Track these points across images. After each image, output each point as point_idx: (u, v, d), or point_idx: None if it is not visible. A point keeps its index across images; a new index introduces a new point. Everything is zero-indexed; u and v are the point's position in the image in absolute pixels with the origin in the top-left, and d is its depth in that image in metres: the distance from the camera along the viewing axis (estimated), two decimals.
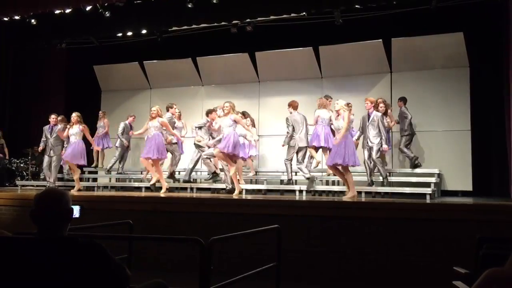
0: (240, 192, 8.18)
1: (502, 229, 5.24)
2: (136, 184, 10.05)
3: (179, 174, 10.12)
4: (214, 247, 3.23)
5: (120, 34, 11.09)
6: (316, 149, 8.69)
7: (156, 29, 10.71)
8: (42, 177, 10.14)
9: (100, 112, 11.23)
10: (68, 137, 9.41)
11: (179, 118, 9.91)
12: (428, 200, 7.02)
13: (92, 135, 10.72)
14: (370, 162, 8.26)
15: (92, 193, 9.45)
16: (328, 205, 6.62)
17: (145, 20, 10.11)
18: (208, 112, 9.16)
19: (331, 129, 8.46)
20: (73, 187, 9.50)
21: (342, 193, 8.44)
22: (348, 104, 7.91)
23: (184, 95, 11.67)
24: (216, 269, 3.25)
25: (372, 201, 7.21)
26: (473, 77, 9.71)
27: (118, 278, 2.23)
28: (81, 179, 10.83)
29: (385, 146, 8.21)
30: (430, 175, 8.59)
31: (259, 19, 9.94)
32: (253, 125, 9.80)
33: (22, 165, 11.53)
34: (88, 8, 9.69)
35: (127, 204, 7.17)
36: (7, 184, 10.91)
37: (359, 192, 8.05)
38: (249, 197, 8.13)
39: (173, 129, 9.23)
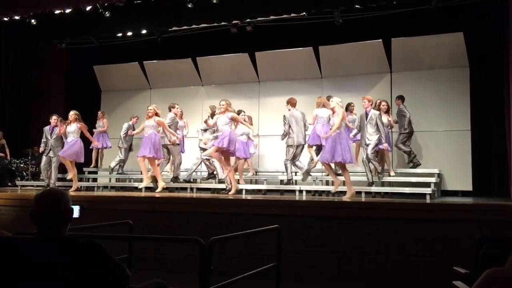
0: (237, 192, 8.16)
1: (502, 229, 5.23)
2: (136, 184, 10.03)
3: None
4: (214, 247, 3.23)
5: (120, 34, 11.08)
6: (320, 148, 8.70)
7: (156, 29, 10.70)
8: (42, 177, 10.12)
9: (99, 112, 11.21)
10: (65, 134, 9.31)
11: (181, 117, 9.90)
12: (428, 200, 7.02)
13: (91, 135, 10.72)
14: (368, 161, 8.28)
15: (92, 193, 9.45)
16: (328, 205, 6.62)
17: (145, 20, 10.10)
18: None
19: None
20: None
21: (342, 193, 8.44)
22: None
23: (184, 95, 11.67)
24: (216, 269, 3.25)
25: (372, 201, 7.22)
26: (473, 77, 9.71)
27: (118, 278, 2.23)
28: (81, 179, 10.85)
29: (385, 145, 8.22)
30: (430, 175, 8.60)
31: (259, 19, 9.93)
32: (251, 123, 9.76)
33: (22, 165, 11.53)
34: (88, 8, 9.69)
35: (127, 204, 7.17)
36: (9, 184, 10.89)
37: (359, 192, 8.07)
38: (249, 197, 8.13)
39: (176, 130, 9.20)
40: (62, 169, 10.20)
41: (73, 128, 9.18)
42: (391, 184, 8.74)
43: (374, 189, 8.23)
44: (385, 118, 8.91)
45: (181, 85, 11.91)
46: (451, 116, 9.70)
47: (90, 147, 10.66)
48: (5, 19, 10.30)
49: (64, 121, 9.55)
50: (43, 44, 11.40)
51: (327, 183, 9.21)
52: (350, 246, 5.86)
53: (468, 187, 9.31)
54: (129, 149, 10.72)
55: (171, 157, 9.45)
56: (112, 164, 10.55)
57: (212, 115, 8.92)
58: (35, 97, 12.22)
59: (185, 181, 9.46)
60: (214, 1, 9.11)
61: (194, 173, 10.01)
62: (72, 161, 9.20)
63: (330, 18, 9.65)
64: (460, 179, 9.40)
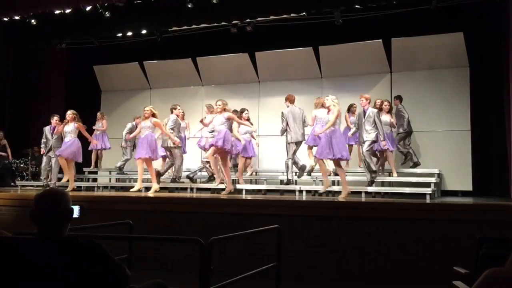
0: (231, 193, 8.16)
1: (502, 229, 5.23)
2: (138, 181, 10.01)
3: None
4: (214, 247, 3.23)
5: (120, 34, 11.08)
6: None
7: (156, 29, 10.70)
8: (41, 178, 10.07)
9: (99, 113, 11.16)
10: (60, 135, 9.24)
11: (182, 118, 9.87)
12: (428, 200, 7.02)
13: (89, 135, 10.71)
14: (363, 158, 8.29)
15: (92, 193, 9.45)
16: (328, 205, 6.62)
17: (145, 20, 10.10)
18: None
19: None
20: (76, 187, 9.49)
21: (337, 193, 8.44)
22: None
23: (184, 95, 11.67)
24: (216, 269, 3.25)
25: (372, 201, 7.22)
26: (473, 77, 9.72)
27: (118, 278, 2.23)
28: (81, 179, 10.85)
29: (383, 142, 8.23)
30: (430, 175, 8.60)
31: (259, 19, 9.93)
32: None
33: (22, 165, 11.52)
34: (88, 8, 9.69)
35: (127, 204, 7.17)
36: (12, 184, 10.86)
37: (359, 192, 8.07)
38: (249, 197, 8.13)
39: (178, 131, 9.17)
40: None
41: (70, 128, 9.13)
42: (391, 184, 8.75)
43: (374, 189, 8.23)
44: (387, 118, 8.91)
45: (181, 85, 11.91)
46: (451, 116, 9.70)
47: (89, 148, 10.62)
48: (5, 19, 10.30)
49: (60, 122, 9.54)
50: (43, 44, 11.39)
51: (332, 183, 9.19)
52: (350, 246, 5.86)
53: (468, 187, 9.31)
54: (133, 148, 10.71)
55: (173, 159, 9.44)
56: (119, 164, 10.49)
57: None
58: (35, 97, 12.22)
59: (188, 177, 9.41)
60: (214, 1, 9.11)
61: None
62: (69, 162, 9.13)
63: (330, 18, 9.65)
64: (460, 179, 9.40)
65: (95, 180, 11.17)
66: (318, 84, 10.79)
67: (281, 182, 9.41)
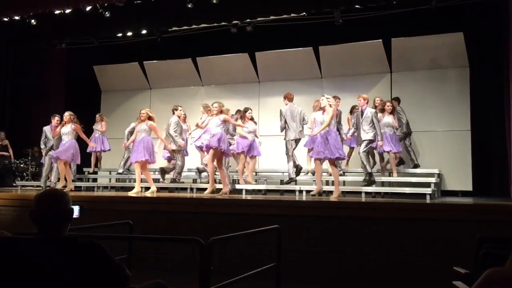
0: (226, 193, 8.15)
1: (502, 229, 5.23)
2: (136, 184, 10.02)
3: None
4: (214, 247, 3.23)
5: (120, 34, 11.08)
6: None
7: (156, 29, 10.70)
8: (42, 179, 10.03)
9: (98, 115, 11.04)
10: (60, 136, 9.17)
11: (184, 120, 9.84)
12: (428, 200, 7.02)
13: (88, 137, 10.69)
14: (365, 155, 8.29)
15: (92, 193, 9.44)
16: (328, 205, 6.61)
17: (145, 20, 10.10)
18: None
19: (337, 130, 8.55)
20: (76, 187, 9.48)
21: (342, 193, 8.44)
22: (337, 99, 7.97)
23: (184, 95, 11.67)
24: (216, 269, 3.25)
25: (372, 201, 7.21)
26: (473, 77, 9.72)
27: (118, 278, 2.23)
28: (81, 180, 10.85)
29: (380, 142, 8.24)
30: (430, 175, 8.60)
31: (259, 19, 9.93)
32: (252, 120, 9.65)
33: (22, 165, 11.52)
34: (88, 8, 9.69)
35: (127, 204, 7.17)
36: (14, 184, 10.85)
37: (359, 192, 8.07)
38: (249, 197, 8.13)
39: (180, 133, 9.15)
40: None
41: (68, 129, 9.05)
42: (391, 184, 8.75)
43: (374, 189, 8.24)
44: (389, 119, 8.88)
45: (181, 85, 11.91)
46: (451, 116, 9.70)
47: (88, 151, 10.59)
48: (5, 19, 10.30)
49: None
50: (43, 44, 11.40)
51: (327, 183, 9.20)
52: (350, 246, 5.86)
53: (468, 187, 9.31)
54: None
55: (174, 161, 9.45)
56: (126, 166, 10.42)
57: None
58: (35, 97, 12.22)
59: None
60: (214, 1, 9.11)
61: (193, 173, 10.02)
62: (66, 163, 9.09)
63: (330, 18, 9.65)
64: (460, 179, 9.40)
65: (95, 180, 11.17)
66: (318, 84, 10.79)
67: (281, 182, 9.42)
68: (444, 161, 9.42)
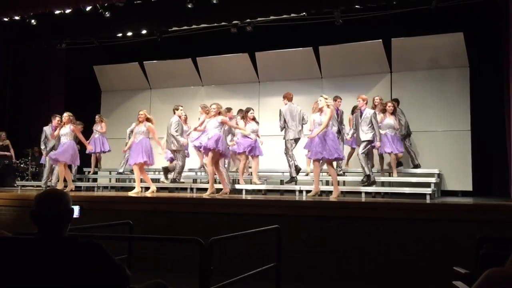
0: (226, 193, 8.13)
1: (502, 229, 5.23)
2: (136, 184, 10.02)
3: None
4: (214, 247, 3.23)
5: (120, 34, 11.08)
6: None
7: (156, 29, 10.70)
8: (42, 180, 10.01)
9: (97, 116, 11.03)
10: (58, 137, 9.16)
11: (185, 121, 9.82)
12: (428, 200, 7.02)
13: (88, 137, 10.70)
14: (363, 157, 8.29)
15: (92, 193, 9.44)
16: (328, 205, 6.61)
17: (145, 20, 10.10)
18: (226, 111, 9.26)
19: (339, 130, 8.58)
20: (76, 187, 9.47)
21: (342, 193, 8.45)
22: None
23: (184, 95, 11.67)
24: (216, 269, 3.25)
25: (372, 201, 7.21)
26: (473, 77, 9.72)
27: (118, 278, 2.23)
28: (81, 179, 10.85)
29: (377, 143, 8.24)
30: (430, 175, 8.60)
31: (259, 19, 9.93)
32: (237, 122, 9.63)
33: (22, 165, 11.52)
34: (88, 8, 9.69)
35: (127, 204, 7.17)
36: (15, 185, 10.83)
37: (359, 192, 8.07)
38: (249, 197, 8.13)
39: (182, 133, 9.13)
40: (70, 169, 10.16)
41: (66, 130, 9.03)
42: (391, 184, 8.75)
43: (374, 189, 8.24)
44: (391, 121, 8.85)
45: (181, 85, 11.91)
46: (451, 116, 9.70)
47: (87, 152, 10.59)
48: (5, 19, 10.30)
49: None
50: (43, 44, 11.39)
51: (327, 183, 9.20)
52: (350, 246, 5.86)
53: (468, 187, 9.31)
54: None
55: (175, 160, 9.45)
56: (125, 164, 10.39)
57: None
58: (35, 97, 12.22)
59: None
60: (214, 1, 9.11)
61: (193, 173, 10.02)
62: (65, 165, 9.06)
63: (330, 18, 9.65)
64: (460, 179, 9.40)
65: (95, 180, 11.17)
66: (318, 84, 10.79)
67: (281, 182, 9.42)
68: (444, 161, 9.42)
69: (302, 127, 8.79)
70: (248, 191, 8.87)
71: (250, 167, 9.90)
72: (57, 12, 9.87)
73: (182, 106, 9.56)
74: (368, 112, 8.29)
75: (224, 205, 6.85)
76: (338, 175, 8.90)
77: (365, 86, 10.30)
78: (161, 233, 6.20)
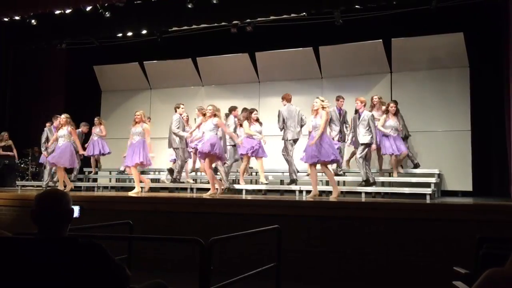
0: (214, 193, 8.13)
1: (502, 229, 5.23)
2: (136, 184, 10.02)
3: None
4: (214, 247, 3.23)
5: (120, 34, 11.08)
6: None
7: (156, 29, 10.70)
8: (43, 180, 10.00)
9: (96, 118, 11.03)
10: (56, 139, 9.14)
11: (187, 122, 9.79)
12: (428, 200, 7.02)
13: (87, 139, 10.71)
14: (362, 161, 8.29)
15: (92, 193, 9.45)
16: (328, 205, 6.61)
17: (145, 20, 10.10)
18: (232, 110, 9.32)
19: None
20: (76, 187, 9.46)
21: (342, 193, 8.45)
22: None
23: (184, 95, 11.66)
24: (216, 269, 3.25)
25: (372, 201, 7.22)
26: (473, 77, 9.72)
27: (118, 278, 2.23)
28: (81, 179, 10.85)
29: (373, 146, 8.23)
30: (430, 175, 8.60)
31: (259, 19, 9.93)
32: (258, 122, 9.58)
33: (22, 165, 11.52)
34: (88, 8, 9.69)
35: (127, 204, 7.17)
36: (15, 185, 10.83)
37: (359, 193, 8.07)
38: (249, 197, 8.14)
39: (183, 130, 9.09)
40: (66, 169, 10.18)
41: (64, 132, 9.04)
42: (391, 184, 8.75)
43: (374, 189, 8.24)
44: (393, 121, 8.81)
45: (181, 85, 11.91)
46: (451, 116, 9.69)
47: (85, 155, 10.59)
48: (5, 19, 10.31)
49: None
50: (43, 44, 11.40)
51: (327, 183, 9.20)
52: (350, 246, 5.86)
53: (468, 187, 9.31)
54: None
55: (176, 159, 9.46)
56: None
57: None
58: (35, 97, 12.22)
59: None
60: (214, 1, 9.11)
61: (193, 173, 10.02)
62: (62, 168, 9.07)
63: (330, 18, 9.65)
64: (460, 179, 9.40)
65: (95, 180, 11.17)
66: (318, 84, 10.79)
67: (281, 182, 9.42)
68: (444, 161, 9.42)
69: (300, 128, 8.79)
70: (248, 191, 8.87)
71: (251, 167, 9.92)
72: (57, 12, 9.87)
73: (183, 104, 9.57)
74: (366, 114, 8.28)
75: (224, 205, 6.85)
76: (338, 175, 8.91)
77: (365, 86, 10.30)
78: (161, 233, 6.20)
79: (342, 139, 9.15)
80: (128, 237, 4.62)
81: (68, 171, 9.82)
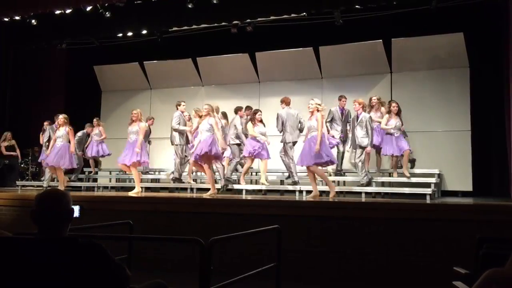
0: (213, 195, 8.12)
1: (502, 229, 5.24)
2: (136, 184, 10.02)
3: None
4: (214, 247, 3.23)
5: (120, 34, 11.08)
6: None
7: (156, 29, 10.70)
8: (43, 179, 10.02)
9: (95, 119, 11.01)
10: (55, 140, 9.13)
11: (189, 120, 9.79)
12: (428, 200, 7.02)
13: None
14: (361, 164, 8.29)
15: (92, 193, 9.45)
16: (328, 205, 6.62)
17: (145, 20, 10.10)
18: (237, 110, 9.33)
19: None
20: (76, 187, 9.46)
21: (342, 193, 8.46)
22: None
23: (184, 95, 11.61)
24: (216, 269, 3.25)
25: (372, 201, 7.22)
26: (473, 77, 9.71)
27: (118, 278, 2.23)
28: (81, 179, 10.85)
29: (368, 148, 8.22)
30: (430, 175, 8.59)
31: (259, 19, 9.93)
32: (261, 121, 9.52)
33: (22, 165, 11.52)
34: (88, 8, 9.69)
35: (127, 204, 7.17)
36: (15, 185, 10.83)
37: (359, 193, 8.07)
38: (249, 197, 8.14)
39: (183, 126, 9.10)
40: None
41: (61, 133, 9.04)
42: (391, 184, 8.75)
43: (374, 189, 8.24)
44: (394, 122, 8.79)
45: (181, 85, 11.90)
46: (451, 116, 9.69)
47: (86, 157, 10.60)
48: (5, 19, 10.31)
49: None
50: (43, 44, 11.39)
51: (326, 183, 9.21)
52: (350, 246, 5.86)
53: (468, 187, 9.30)
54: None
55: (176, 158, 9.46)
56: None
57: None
58: (35, 97, 12.22)
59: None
60: (214, 1, 9.11)
61: (193, 173, 10.02)
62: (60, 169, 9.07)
63: (330, 18, 9.65)
64: (460, 179, 9.39)
65: (95, 180, 11.17)
66: (318, 84, 10.78)
67: (281, 182, 9.42)
68: (444, 161, 9.41)
69: (299, 130, 8.78)
70: (248, 191, 8.87)
71: (251, 168, 9.92)
72: (57, 12, 9.87)
73: (184, 102, 9.58)
74: (364, 116, 8.27)
75: (224, 205, 6.86)
76: (338, 175, 8.92)
77: (365, 86, 10.30)
78: (161, 233, 6.20)
79: (344, 139, 9.15)
80: (128, 237, 4.62)
81: (68, 171, 9.83)
